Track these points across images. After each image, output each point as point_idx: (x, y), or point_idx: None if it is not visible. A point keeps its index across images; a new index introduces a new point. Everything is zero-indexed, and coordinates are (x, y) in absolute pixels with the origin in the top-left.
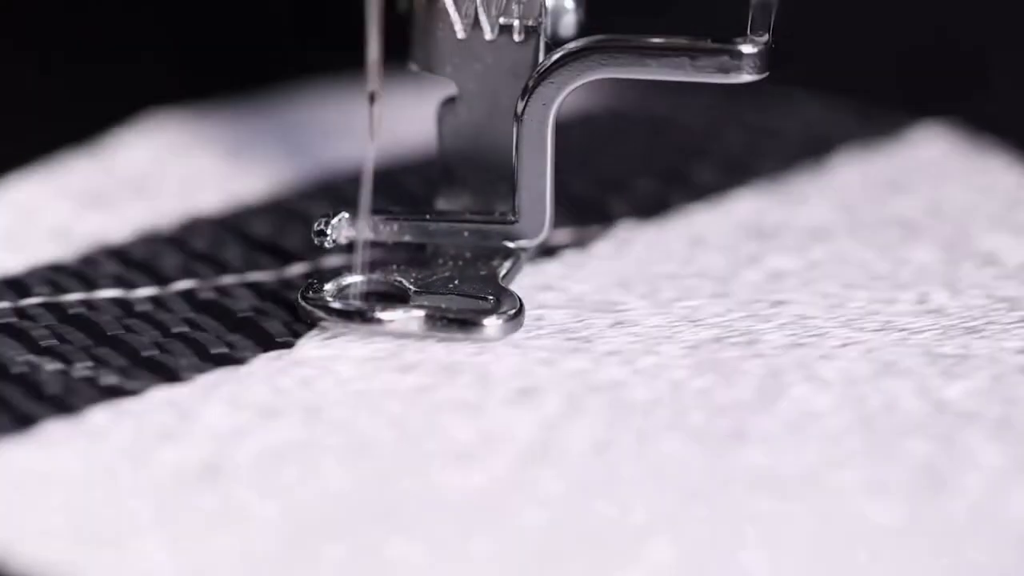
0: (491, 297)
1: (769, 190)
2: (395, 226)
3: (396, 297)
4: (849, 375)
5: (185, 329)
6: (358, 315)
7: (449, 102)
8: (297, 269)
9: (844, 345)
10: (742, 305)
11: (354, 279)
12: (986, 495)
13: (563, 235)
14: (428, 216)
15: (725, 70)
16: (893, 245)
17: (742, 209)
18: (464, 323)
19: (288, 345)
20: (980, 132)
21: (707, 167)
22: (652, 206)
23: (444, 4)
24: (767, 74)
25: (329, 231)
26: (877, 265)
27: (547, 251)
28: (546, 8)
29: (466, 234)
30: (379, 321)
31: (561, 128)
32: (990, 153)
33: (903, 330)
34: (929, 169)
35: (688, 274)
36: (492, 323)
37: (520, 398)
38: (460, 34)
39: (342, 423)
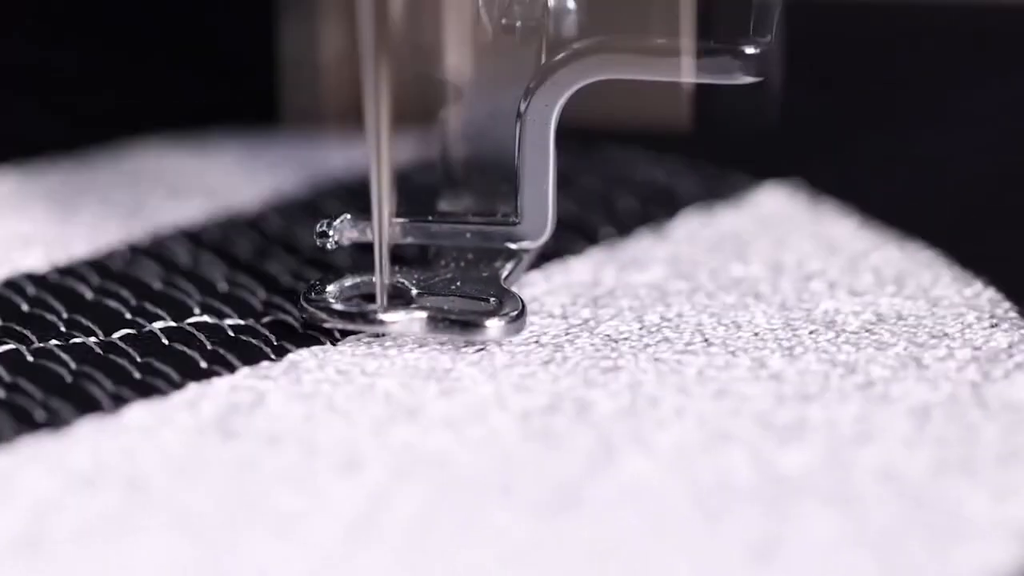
0: (493, 298)
1: (607, 253)
2: (397, 228)
3: (398, 298)
4: (681, 444)
5: (4, 394)
6: (360, 317)
7: (451, 103)
8: (121, 332)
9: (677, 413)
10: (575, 372)
11: (360, 280)
12: (819, 567)
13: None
14: (430, 218)
15: (727, 71)
16: (731, 309)
17: (578, 272)
18: (466, 324)
19: (112, 411)
20: (822, 195)
21: None
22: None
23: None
24: (765, 78)
25: (332, 233)
26: (714, 330)
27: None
28: (548, 9)
29: (468, 235)
30: (381, 323)
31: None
32: (832, 216)
33: (738, 397)
34: (770, 232)
35: (520, 340)
36: (494, 324)
37: (345, 469)
38: None
39: (164, 495)
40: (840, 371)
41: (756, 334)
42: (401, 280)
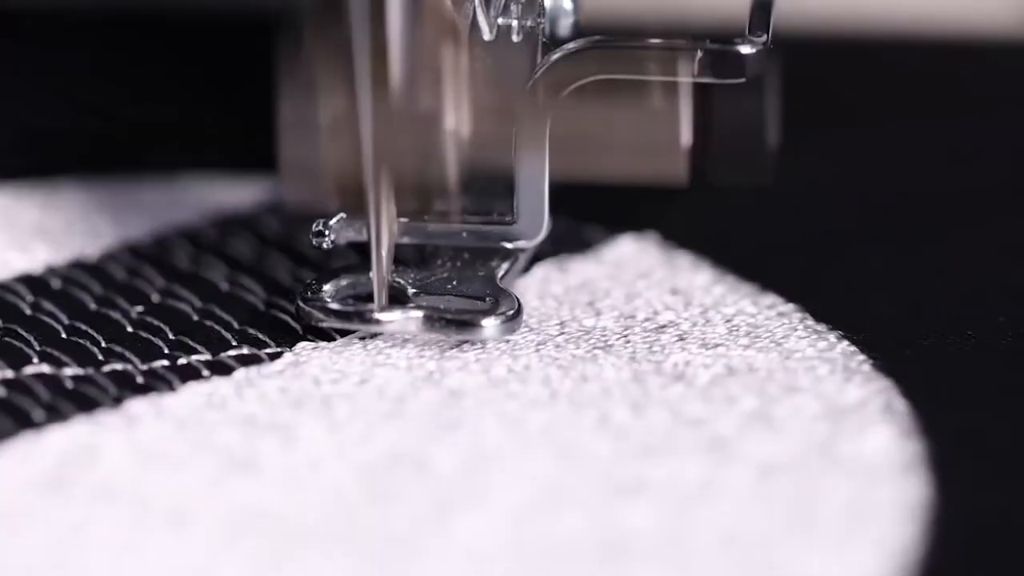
0: (489, 298)
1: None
2: (394, 227)
3: (394, 298)
4: (520, 502)
5: None
6: (357, 316)
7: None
8: None
9: (518, 470)
10: (417, 426)
11: (357, 279)
12: None
13: (238, 349)
14: (427, 217)
15: (722, 71)
16: (580, 361)
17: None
18: (462, 324)
19: None
20: (677, 247)
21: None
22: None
23: None
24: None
25: (328, 232)
26: (560, 383)
27: (219, 367)
28: (544, 9)
29: (464, 235)
30: (378, 322)
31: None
32: (686, 267)
33: (581, 454)
34: (623, 283)
35: (364, 393)
36: (490, 324)
37: (176, 525)
38: None
39: None
40: (687, 427)
41: (604, 388)
42: (397, 279)
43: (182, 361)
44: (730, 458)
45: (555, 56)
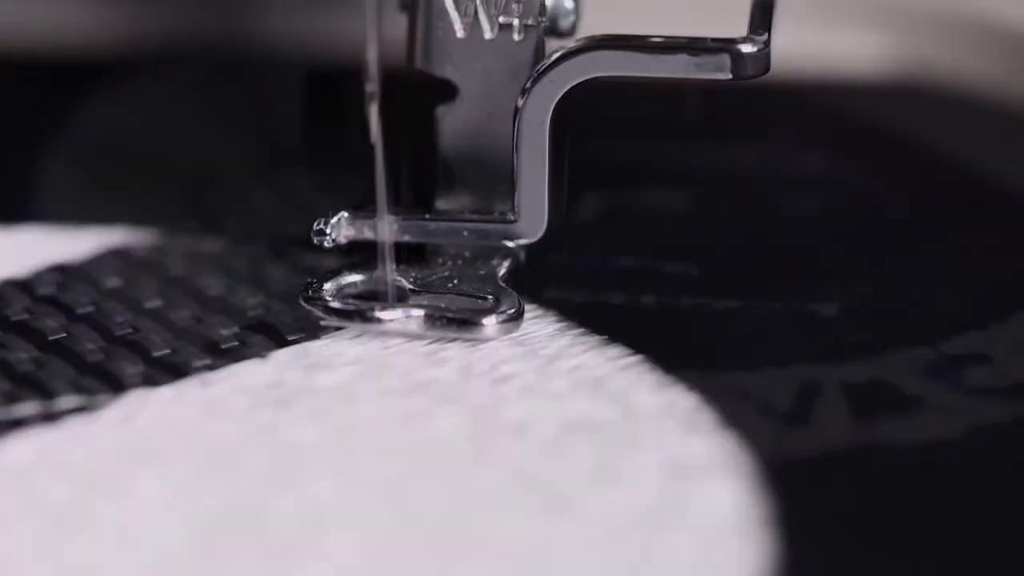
0: (490, 296)
1: (295, 353)
2: (395, 226)
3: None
4: (353, 563)
5: None
6: (357, 315)
7: (448, 101)
8: None
9: (351, 528)
10: (249, 482)
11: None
12: None
13: (70, 400)
14: (427, 216)
15: (723, 69)
16: (418, 414)
17: (261, 374)
18: (463, 322)
19: None
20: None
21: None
22: (169, 370)
23: (444, 3)
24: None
25: (328, 230)
26: (399, 436)
27: (49, 416)
28: (546, 7)
29: (465, 233)
30: (378, 320)
31: None
32: (528, 319)
33: (416, 510)
34: None
35: (197, 447)
36: (491, 322)
37: None
38: (460, 33)
39: None
40: (526, 484)
41: (442, 442)
42: (398, 278)
43: (12, 412)
44: (570, 517)
45: (556, 54)
